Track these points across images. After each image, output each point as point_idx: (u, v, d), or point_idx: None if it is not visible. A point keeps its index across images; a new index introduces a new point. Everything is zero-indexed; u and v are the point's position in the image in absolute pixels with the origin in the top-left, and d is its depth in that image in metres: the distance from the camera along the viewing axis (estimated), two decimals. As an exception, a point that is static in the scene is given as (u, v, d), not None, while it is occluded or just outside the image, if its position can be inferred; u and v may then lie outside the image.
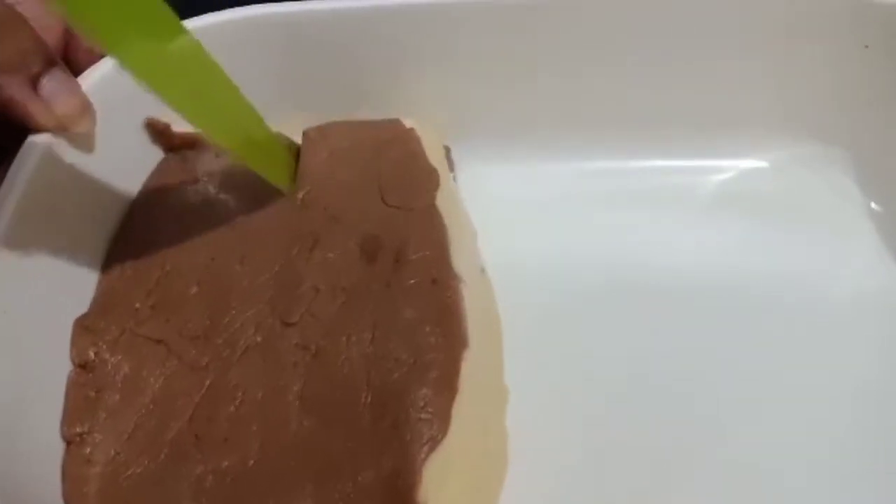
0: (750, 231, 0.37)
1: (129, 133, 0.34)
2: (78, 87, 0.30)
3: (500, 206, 0.37)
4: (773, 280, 0.35)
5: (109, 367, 0.29)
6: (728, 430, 0.31)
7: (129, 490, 0.26)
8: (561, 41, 0.36)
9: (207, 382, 0.28)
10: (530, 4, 0.34)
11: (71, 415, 0.28)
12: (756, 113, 0.38)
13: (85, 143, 0.31)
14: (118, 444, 0.27)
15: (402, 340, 0.28)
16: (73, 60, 0.33)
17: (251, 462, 0.26)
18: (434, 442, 0.25)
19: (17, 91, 0.28)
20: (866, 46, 0.35)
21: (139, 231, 0.33)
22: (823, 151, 0.38)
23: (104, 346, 0.29)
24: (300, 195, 0.33)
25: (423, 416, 0.26)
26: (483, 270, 0.34)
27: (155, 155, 0.35)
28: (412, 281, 0.29)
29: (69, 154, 0.30)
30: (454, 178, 0.37)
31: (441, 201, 0.32)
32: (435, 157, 0.34)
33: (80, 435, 0.27)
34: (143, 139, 0.35)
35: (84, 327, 0.29)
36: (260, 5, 0.35)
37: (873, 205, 0.37)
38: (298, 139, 0.36)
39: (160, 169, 0.35)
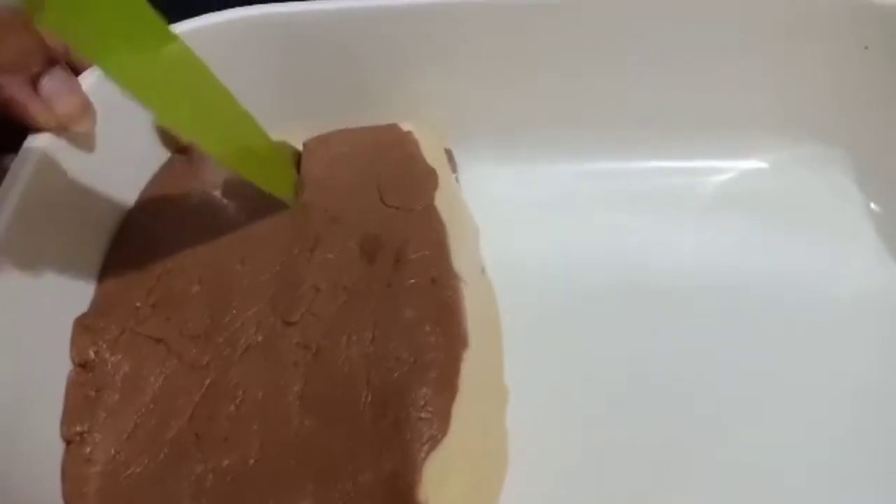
0: (750, 231, 0.37)
1: (131, 133, 0.34)
2: (78, 86, 0.30)
3: (500, 206, 0.37)
4: (773, 280, 0.35)
5: (109, 367, 0.29)
6: (728, 430, 0.31)
7: (130, 489, 0.26)
8: (561, 41, 0.36)
9: (208, 381, 0.28)
10: (530, 4, 0.34)
11: (71, 414, 0.28)
12: (756, 113, 0.38)
13: (86, 142, 0.31)
14: (118, 444, 0.27)
15: (402, 340, 0.28)
16: (74, 60, 0.33)
17: (251, 461, 0.26)
18: (434, 441, 0.25)
19: (17, 91, 0.28)
20: (866, 47, 0.35)
21: (140, 230, 0.33)
22: (823, 152, 0.38)
23: (104, 346, 0.29)
24: (300, 199, 0.33)
25: (423, 415, 0.26)
26: (483, 270, 0.34)
27: (156, 155, 0.35)
28: (412, 280, 0.29)
29: (70, 154, 0.30)
30: (457, 180, 0.37)
31: (440, 201, 0.32)
32: (434, 159, 0.35)
33: (80, 434, 0.27)
34: (145, 139, 0.35)
35: (84, 326, 0.30)
36: (259, 6, 0.35)
37: (873, 205, 0.37)
38: (299, 145, 0.36)
39: (165, 169, 0.35)
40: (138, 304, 0.30)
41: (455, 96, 0.38)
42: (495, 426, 0.30)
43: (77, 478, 0.27)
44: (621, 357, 0.33)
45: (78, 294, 0.31)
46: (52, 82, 0.29)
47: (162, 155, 0.36)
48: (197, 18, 0.34)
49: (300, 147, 0.36)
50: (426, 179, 0.33)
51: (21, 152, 0.29)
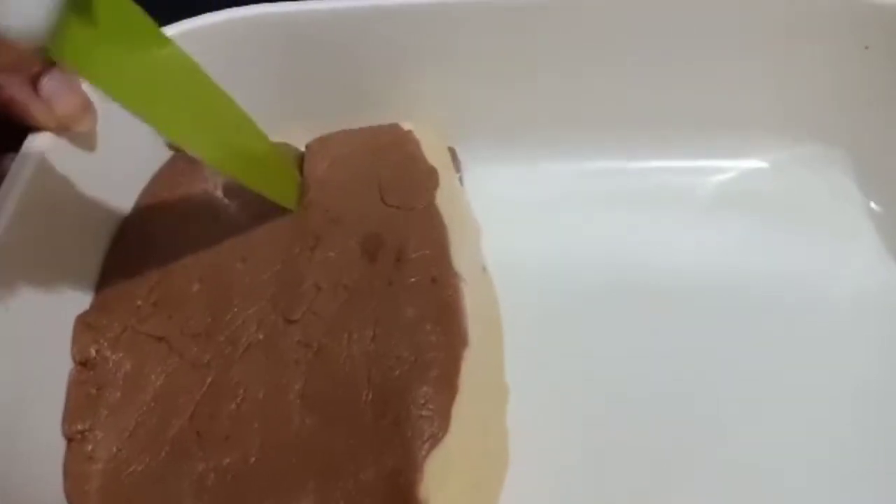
0: (750, 231, 0.37)
1: (131, 132, 0.33)
2: (79, 86, 0.30)
3: (501, 206, 0.37)
4: (773, 280, 0.35)
5: (111, 365, 0.29)
6: (728, 430, 0.31)
7: (131, 487, 0.26)
8: (561, 41, 0.36)
9: (209, 380, 0.28)
10: (530, 4, 0.34)
11: (72, 412, 0.28)
12: (756, 113, 0.38)
13: (86, 142, 0.31)
14: (119, 442, 0.27)
15: (403, 338, 0.28)
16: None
17: (253, 459, 0.26)
18: (435, 439, 0.25)
19: (17, 91, 0.28)
20: (866, 47, 0.35)
21: (141, 229, 0.33)
22: (823, 151, 0.38)
23: (105, 344, 0.29)
24: (302, 199, 0.33)
25: (423, 413, 0.26)
26: (484, 269, 0.34)
27: (157, 154, 0.35)
28: (413, 279, 0.30)
29: (70, 153, 0.30)
30: (461, 179, 0.37)
31: (441, 200, 0.32)
32: (435, 158, 0.35)
33: (82, 432, 0.27)
34: (145, 138, 0.35)
35: (85, 324, 0.30)
36: (258, 5, 0.35)
37: (873, 205, 0.37)
38: (300, 145, 0.36)
39: (166, 168, 0.35)
40: (139, 303, 0.30)
41: (455, 96, 0.38)
42: (495, 425, 0.30)
43: (79, 475, 0.27)
44: (621, 357, 0.33)
45: (79, 292, 0.31)
46: (52, 82, 0.29)
47: (163, 154, 0.36)
48: (194, 19, 0.34)
49: (301, 148, 0.36)
50: (427, 179, 0.33)
51: (21, 152, 0.29)
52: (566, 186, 0.39)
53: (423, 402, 0.26)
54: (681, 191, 0.38)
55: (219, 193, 0.34)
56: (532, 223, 0.37)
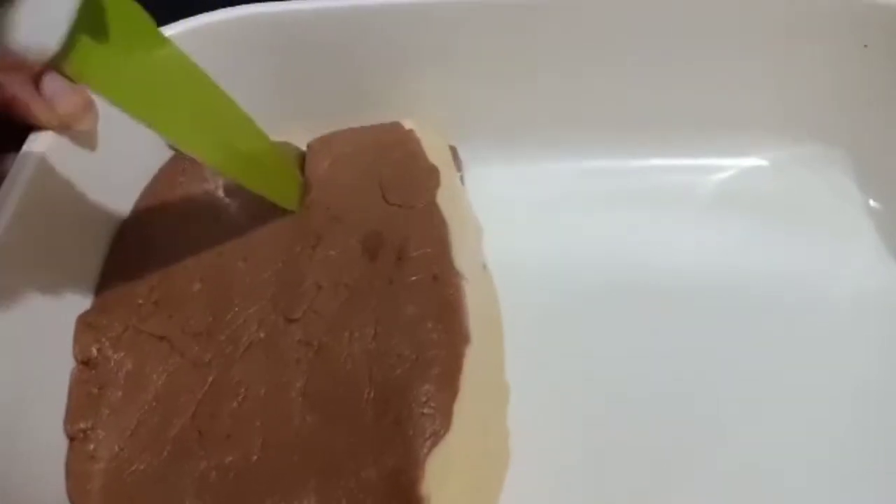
0: (750, 231, 0.37)
1: (132, 132, 0.33)
2: (80, 85, 0.30)
3: (501, 205, 0.37)
4: (773, 280, 0.35)
5: (112, 364, 0.29)
6: (728, 430, 0.31)
7: (133, 486, 0.26)
8: (561, 41, 0.36)
9: (210, 379, 0.28)
10: (530, 4, 0.34)
11: (74, 411, 0.28)
12: (756, 113, 0.38)
13: (87, 141, 0.31)
14: (121, 441, 0.27)
15: (404, 337, 0.28)
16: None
17: (254, 458, 0.26)
18: (436, 437, 0.25)
19: (19, 90, 0.28)
20: (865, 46, 0.35)
21: (142, 229, 0.33)
22: (823, 151, 0.38)
23: (107, 343, 0.29)
24: (304, 199, 0.33)
25: (425, 411, 0.26)
26: (485, 267, 0.34)
27: (158, 154, 0.35)
28: (414, 277, 0.30)
29: (72, 153, 0.30)
30: (462, 178, 0.37)
31: (442, 199, 0.32)
32: (436, 157, 0.35)
33: (84, 431, 0.27)
34: (146, 138, 0.35)
35: (87, 324, 0.30)
36: (258, 4, 0.35)
37: (873, 205, 0.37)
38: (301, 145, 0.36)
39: (167, 168, 0.35)
40: (141, 302, 0.30)
41: (455, 96, 0.38)
42: (496, 424, 0.30)
43: (81, 474, 0.27)
44: (621, 357, 0.33)
45: (80, 292, 0.31)
46: (54, 81, 0.29)
47: (164, 153, 0.36)
48: (193, 18, 0.34)
49: (302, 147, 0.36)
50: (428, 177, 0.33)
51: (22, 152, 0.29)
52: (566, 186, 0.39)
53: (424, 400, 0.26)
54: (681, 190, 0.38)
55: (219, 193, 0.34)
56: (532, 223, 0.37)
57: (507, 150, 0.39)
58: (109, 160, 0.32)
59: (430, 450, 0.25)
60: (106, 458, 0.27)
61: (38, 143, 0.29)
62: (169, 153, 0.36)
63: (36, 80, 0.29)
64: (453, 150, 0.38)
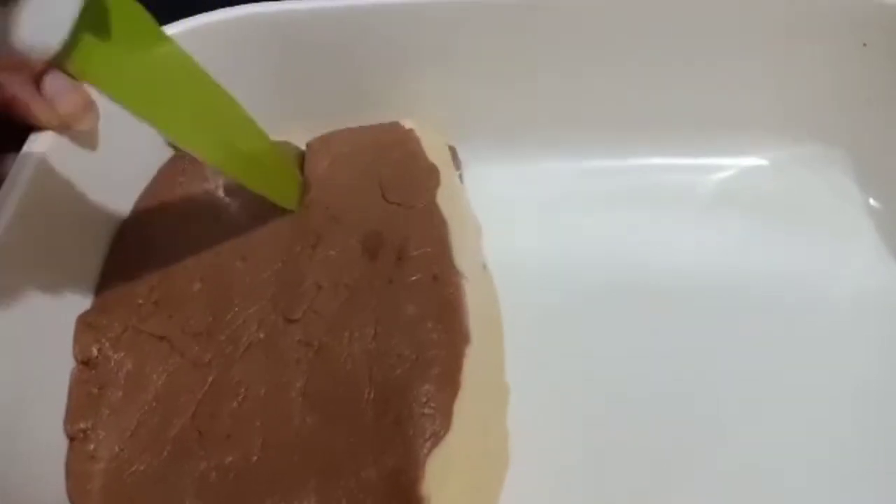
0: (750, 231, 0.37)
1: (132, 132, 0.33)
2: (81, 84, 0.30)
3: (501, 205, 0.37)
4: (773, 280, 0.35)
5: (112, 364, 0.29)
6: (728, 430, 0.31)
7: (133, 486, 0.26)
8: (561, 41, 0.36)
9: (210, 379, 0.28)
10: (530, 4, 0.34)
11: (74, 411, 0.28)
12: (756, 113, 0.38)
13: (87, 141, 0.31)
14: (121, 441, 0.27)
15: (404, 337, 0.28)
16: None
17: (254, 458, 0.26)
18: (436, 438, 0.25)
19: (20, 89, 0.28)
20: (864, 44, 0.35)
21: (142, 229, 0.33)
22: (823, 151, 0.38)
23: (107, 343, 0.29)
24: (303, 198, 0.33)
25: (425, 411, 0.26)
26: (485, 266, 0.34)
27: (159, 153, 0.35)
28: (414, 277, 0.30)
29: (72, 153, 0.30)
30: (461, 177, 0.37)
31: (442, 198, 0.32)
32: (436, 156, 0.35)
33: (84, 431, 0.27)
34: (147, 137, 0.35)
35: (87, 324, 0.30)
36: (258, 4, 0.35)
37: (873, 204, 0.37)
38: (300, 145, 0.36)
39: (167, 168, 0.35)
40: (141, 302, 0.30)
41: (455, 96, 0.38)
42: (496, 425, 0.30)
43: (81, 475, 0.27)
44: (621, 357, 0.33)
45: (80, 292, 0.31)
46: (54, 81, 0.29)
47: (164, 153, 0.36)
48: (193, 18, 0.34)
49: (302, 146, 0.36)
50: (428, 177, 0.33)
51: (22, 152, 0.29)
52: (566, 185, 0.39)
53: (424, 400, 0.26)
54: (681, 189, 0.38)
55: (219, 193, 0.34)
56: (532, 222, 0.37)
57: (507, 150, 0.39)
58: (109, 160, 0.32)
59: (430, 450, 0.25)
60: (106, 458, 0.27)
61: (39, 144, 0.29)
62: (168, 153, 0.36)
63: (36, 80, 0.29)
64: (452, 150, 0.38)
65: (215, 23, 0.35)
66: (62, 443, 0.27)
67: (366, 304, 0.29)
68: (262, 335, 0.29)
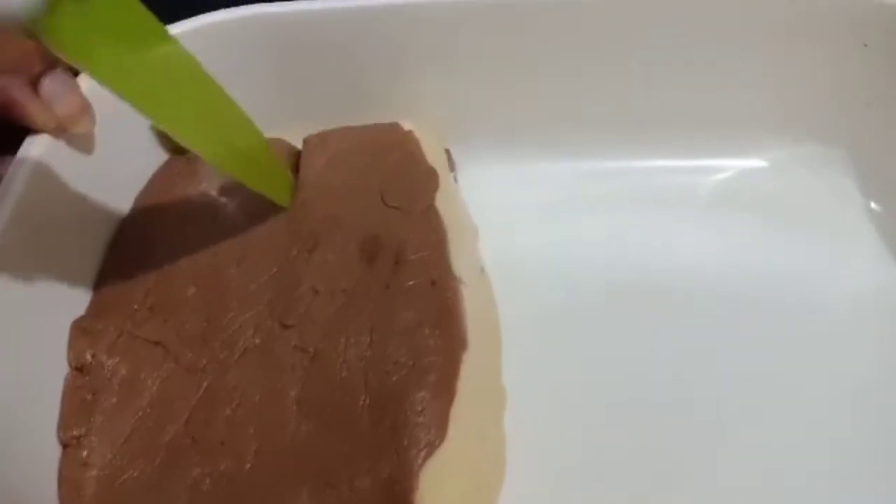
0: (750, 231, 0.37)
1: (129, 134, 0.34)
2: (78, 87, 0.30)
3: (500, 206, 0.37)
4: (773, 280, 0.35)
5: (106, 370, 0.29)
6: (728, 431, 0.31)
7: (126, 494, 0.26)
8: (561, 41, 0.36)
9: (205, 385, 0.28)
10: (530, 4, 0.34)
11: (67, 418, 0.28)
12: (756, 113, 0.38)
13: (84, 144, 0.31)
14: (115, 448, 0.27)
15: (400, 343, 0.28)
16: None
17: (248, 465, 0.26)
18: (431, 447, 0.25)
19: (17, 92, 0.28)
20: (865, 45, 0.35)
21: (138, 233, 0.33)
22: (823, 152, 0.38)
23: (101, 349, 0.29)
24: (299, 198, 0.33)
25: (420, 420, 0.26)
26: (483, 270, 0.34)
27: (156, 157, 0.35)
28: (411, 282, 0.29)
29: (68, 155, 0.30)
30: (455, 179, 0.37)
31: (440, 202, 0.32)
32: (434, 159, 0.35)
33: (77, 438, 0.27)
34: (144, 140, 0.35)
35: (81, 329, 0.29)
36: (258, 5, 0.35)
37: (873, 205, 0.37)
38: (298, 144, 0.36)
39: (163, 171, 0.35)
40: (135, 307, 0.30)
41: (455, 96, 0.37)
42: (493, 430, 0.30)
43: (73, 482, 0.26)
44: (621, 358, 0.33)
45: (75, 297, 0.30)
46: (52, 83, 0.29)
47: (160, 156, 0.35)
48: (194, 18, 0.34)
49: (298, 145, 0.36)
50: (427, 180, 0.33)
51: (19, 155, 0.29)
52: (566, 186, 0.39)
53: (420, 408, 0.26)
54: (681, 190, 0.38)
55: (216, 195, 0.34)
56: (531, 223, 0.37)
57: (507, 151, 0.39)
58: (106, 163, 0.32)
59: (424, 459, 0.25)
60: (99, 465, 0.27)
61: (35, 146, 0.29)
62: (164, 156, 0.36)
63: (34, 82, 0.28)
64: (447, 153, 0.38)
65: (216, 23, 0.35)
66: (57, 449, 0.27)
67: (362, 310, 0.29)
68: (257, 340, 0.29)
